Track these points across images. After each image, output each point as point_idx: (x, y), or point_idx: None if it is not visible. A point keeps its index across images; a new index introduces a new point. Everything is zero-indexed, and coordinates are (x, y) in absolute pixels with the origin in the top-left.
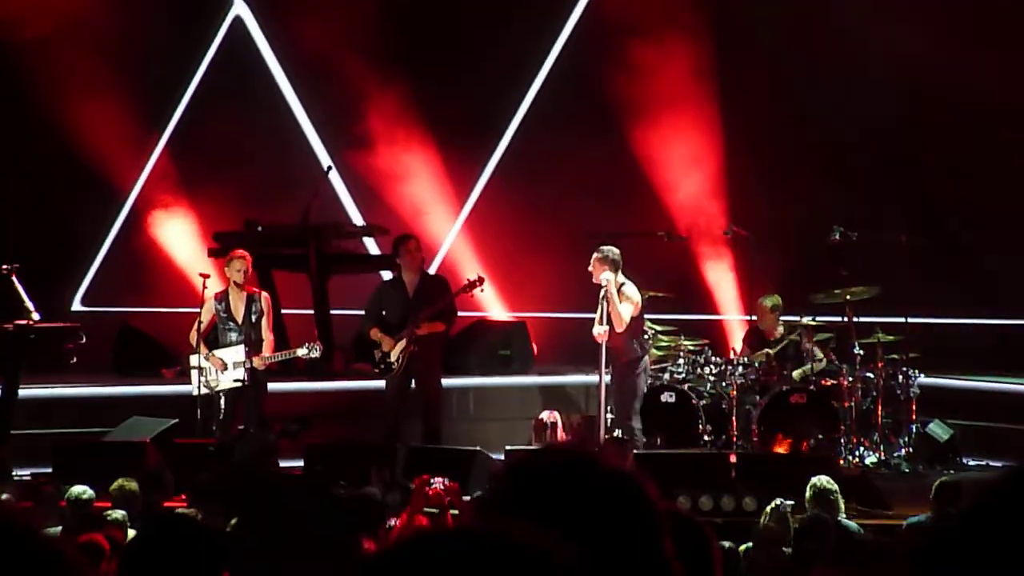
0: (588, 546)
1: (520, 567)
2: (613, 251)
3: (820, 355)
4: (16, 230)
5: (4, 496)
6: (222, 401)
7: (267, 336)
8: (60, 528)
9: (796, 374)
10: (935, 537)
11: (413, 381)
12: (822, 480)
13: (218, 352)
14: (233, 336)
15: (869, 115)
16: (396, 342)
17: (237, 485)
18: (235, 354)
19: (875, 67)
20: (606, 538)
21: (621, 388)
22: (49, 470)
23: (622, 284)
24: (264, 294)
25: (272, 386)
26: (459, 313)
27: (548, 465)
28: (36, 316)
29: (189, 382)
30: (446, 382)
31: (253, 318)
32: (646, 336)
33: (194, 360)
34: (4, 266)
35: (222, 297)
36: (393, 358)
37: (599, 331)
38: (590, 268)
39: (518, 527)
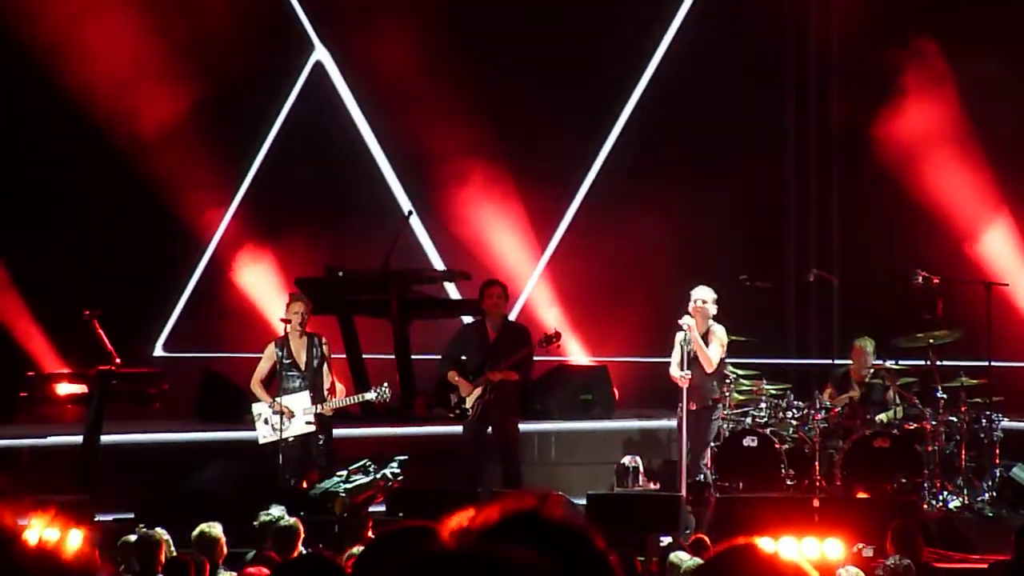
0: None
1: None
2: (713, 295)
3: (899, 401)
4: (99, 275)
5: (130, 537)
6: (292, 449)
7: (330, 378)
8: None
9: (880, 418)
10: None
11: (490, 427)
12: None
13: (284, 400)
14: (297, 382)
15: None
16: (472, 388)
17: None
18: (303, 400)
19: None
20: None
21: (698, 431)
22: (132, 516)
23: (710, 327)
24: (324, 338)
25: (352, 431)
26: (538, 359)
27: (494, 524)
28: (118, 361)
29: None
30: (528, 427)
31: (315, 363)
32: (727, 380)
33: (256, 408)
34: (87, 311)
35: (283, 343)
36: (468, 404)
37: (683, 374)
38: (693, 310)
39: (509, 549)
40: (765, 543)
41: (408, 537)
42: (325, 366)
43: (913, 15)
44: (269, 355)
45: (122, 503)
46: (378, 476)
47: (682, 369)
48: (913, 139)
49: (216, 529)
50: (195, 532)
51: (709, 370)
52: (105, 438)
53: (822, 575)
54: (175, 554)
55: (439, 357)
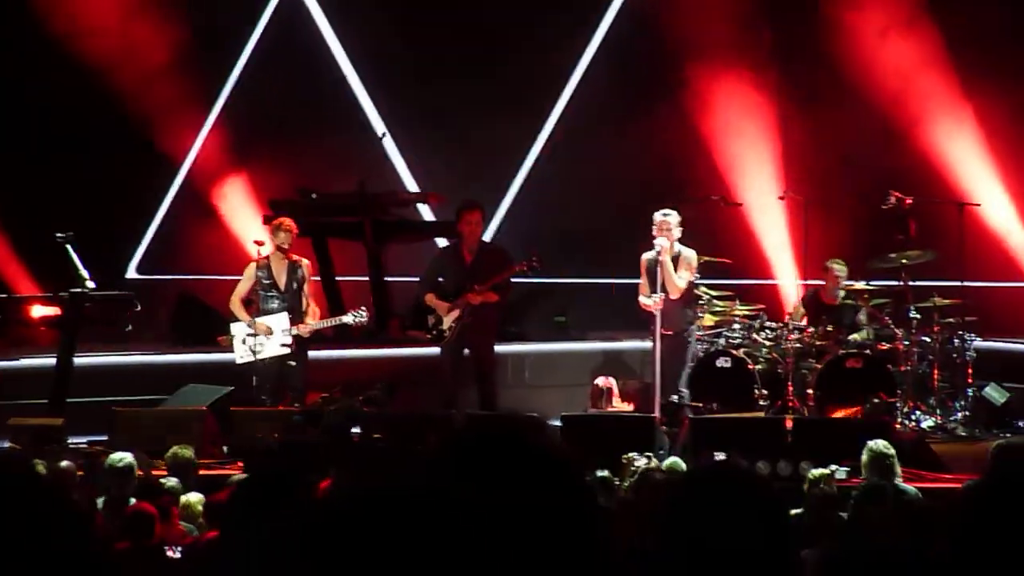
0: (522, 524)
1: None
2: (677, 216)
3: (869, 322)
4: (71, 199)
5: (64, 463)
6: (268, 369)
7: (310, 304)
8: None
9: (852, 339)
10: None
11: (467, 348)
12: (879, 444)
13: (263, 319)
14: (275, 304)
15: None
16: (449, 310)
17: (329, 448)
18: (280, 321)
19: None
20: (538, 514)
21: (673, 355)
22: (105, 438)
23: (678, 251)
24: (306, 261)
25: (328, 353)
26: (514, 280)
27: (476, 440)
28: (91, 284)
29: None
30: (502, 349)
31: (295, 285)
32: (700, 301)
33: (235, 328)
34: (59, 234)
35: (264, 264)
36: (445, 325)
37: (656, 299)
38: (657, 231)
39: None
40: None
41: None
42: (305, 289)
43: None
44: (249, 276)
45: (95, 425)
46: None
47: (653, 292)
48: (884, 53)
49: (188, 450)
50: (168, 453)
51: (674, 296)
52: (78, 360)
53: (795, 493)
54: (153, 475)
55: (417, 280)
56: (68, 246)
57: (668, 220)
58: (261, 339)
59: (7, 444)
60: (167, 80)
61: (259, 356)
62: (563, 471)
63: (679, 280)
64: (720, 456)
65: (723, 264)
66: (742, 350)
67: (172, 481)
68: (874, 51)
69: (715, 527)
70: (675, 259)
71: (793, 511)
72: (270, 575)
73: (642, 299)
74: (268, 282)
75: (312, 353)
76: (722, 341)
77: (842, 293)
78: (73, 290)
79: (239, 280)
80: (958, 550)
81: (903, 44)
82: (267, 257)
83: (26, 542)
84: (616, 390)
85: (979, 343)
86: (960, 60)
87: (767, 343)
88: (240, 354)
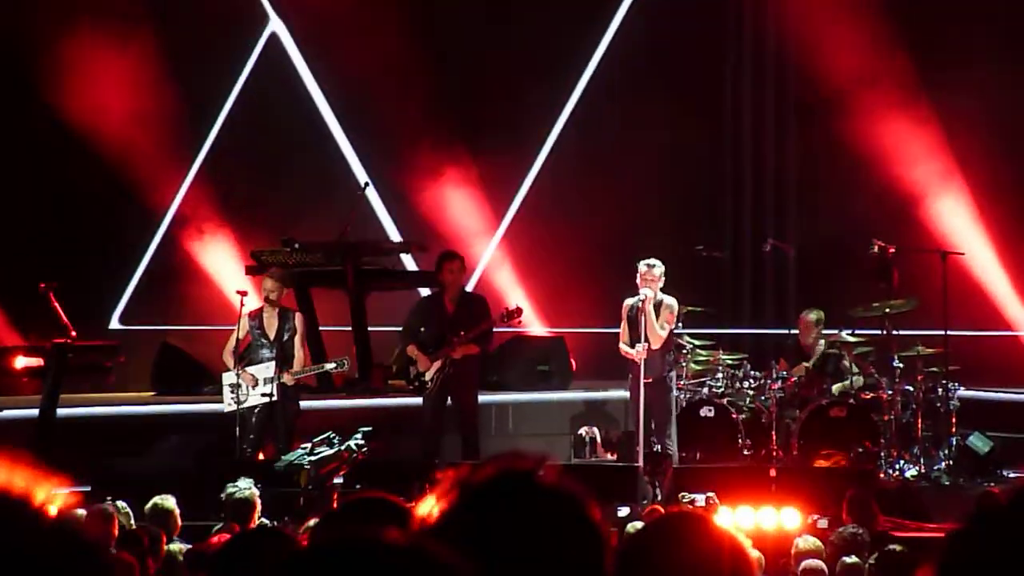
0: (533, 564)
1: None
2: (661, 267)
3: (857, 370)
4: (55, 249)
5: (80, 512)
6: (253, 419)
7: (299, 353)
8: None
9: (836, 388)
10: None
11: (450, 399)
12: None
13: (250, 369)
14: (266, 353)
15: None
16: (432, 361)
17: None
18: (266, 371)
19: None
20: (549, 556)
21: (658, 404)
22: (88, 489)
23: (660, 300)
24: (298, 312)
25: (310, 403)
26: (496, 330)
27: (488, 482)
28: (74, 334)
29: (222, 400)
30: (485, 398)
31: (286, 335)
32: (683, 350)
33: (226, 378)
34: (42, 284)
35: (256, 315)
36: (427, 377)
37: (640, 349)
38: (641, 281)
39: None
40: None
41: (367, 508)
42: (296, 340)
43: None
44: (242, 326)
45: (79, 477)
46: (343, 448)
47: (637, 341)
48: (869, 107)
49: (169, 501)
50: (149, 504)
51: (655, 346)
52: (61, 411)
53: (779, 544)
54: (133, 526)
55: (399, 330)
56: (52, 295)
57: (653, 271)
58: (247, 388)
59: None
60: (150, 131)
61: (243, 405)
62: (577, 509)
63: (660, 330)
64: (700, 498)
65: (706, 313)
66: (725, 399)
67: (153, 531)
68: (860, 104)
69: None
70: (657, 307)
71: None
72: None
73: (623, 347)
74: (259, 331)
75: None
76: (705, 390)
77: (821, 341)
78: (56, 340)
79: (221, 330)
80: None
81: (889, 99)
82: (260, 308)
83: None
84: (599, 439)
85: (963, 392)
86: (945, 113)
87: (750, 392)
88: (227, 403)
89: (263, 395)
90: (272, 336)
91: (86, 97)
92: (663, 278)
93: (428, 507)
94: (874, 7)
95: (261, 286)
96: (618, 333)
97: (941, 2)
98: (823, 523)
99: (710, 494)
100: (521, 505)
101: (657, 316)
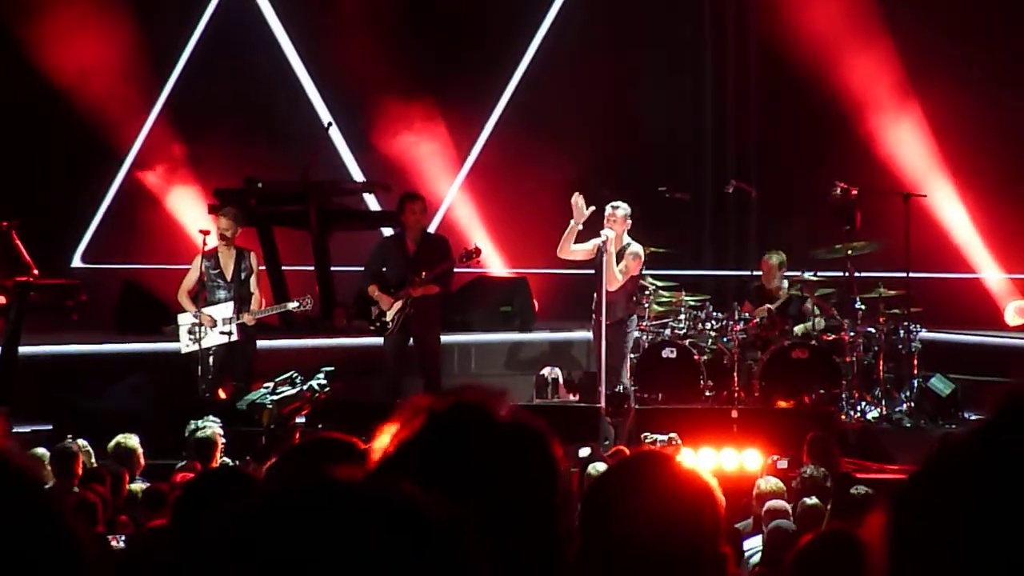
0: (488, 495)
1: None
2: (627, 209)
3: (819, 311)
4: (15, 187)
5: (39, 450)
6: (211, 359)
7: (257, 293)
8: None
9: (798, 329)
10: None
11: (412, 339)
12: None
13: (207, 309)
14: (222, 294)
15: None
16: (392, 301)
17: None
18: (224, 311)
19: None
20: (505, 486)
21: (616, 346)
22: (50, 428)
23: (626, 244)
24: (253, 252)
25: (273, 343)
26: (458, 271)
27: (448, 411)
28: (36, 272)
29: (179, 340)
30: (448, 339)
31: (243, 275)
32: (646, 291)
33: (183, 319)
34: (4, 222)
35: (211, 255)
36: (388, 317)
37: (604, 236)
38: (606, 222)
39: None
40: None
41: (323, 448)
42: (252, 279)
43: None
44: (196, 266)
45: (40, 414)
46: (305, 388)
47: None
48: (830, 46)
49: (132, 440)
50: (112, 443)
51: (611, 288)
52: (23, 349)
53: (741, 485)
54: (95, 465)
55: (362, 270)
56: (13, 233)
57: (616, 212)
58: (205, 329)
59: None
60: (112, 71)
61: (202, 345)
62: (539, 442)
63: (619, 275)
64: (663, 438)
65: (669, 254)
66: (687, 340)
67: (115, 469)
68: (821, 45)
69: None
70: (622, 251)
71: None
72: (213, 566)
73: (566, 247)
74: (215, 272)
75: (259, 342)
76: (667, 331)
77: (785, 284)
78: (19, 278)
79: (183, 269)
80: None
81: (851, 39)
82: (214, 248)
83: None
84: (561, 380)
85: (925, 334)
86: (907, 52)
87: (712, 334)
88: (185, 343)
89: (222, 334)
90: (228, 276)
91: (47, 37)
92: (629, 220)
93: (387, 435)
94: None
95: (217, 223)
96: (582, 274)
97: None
98: (783, 463)
99: (672, 435)
100: (481, 433)
101: (619, 260)
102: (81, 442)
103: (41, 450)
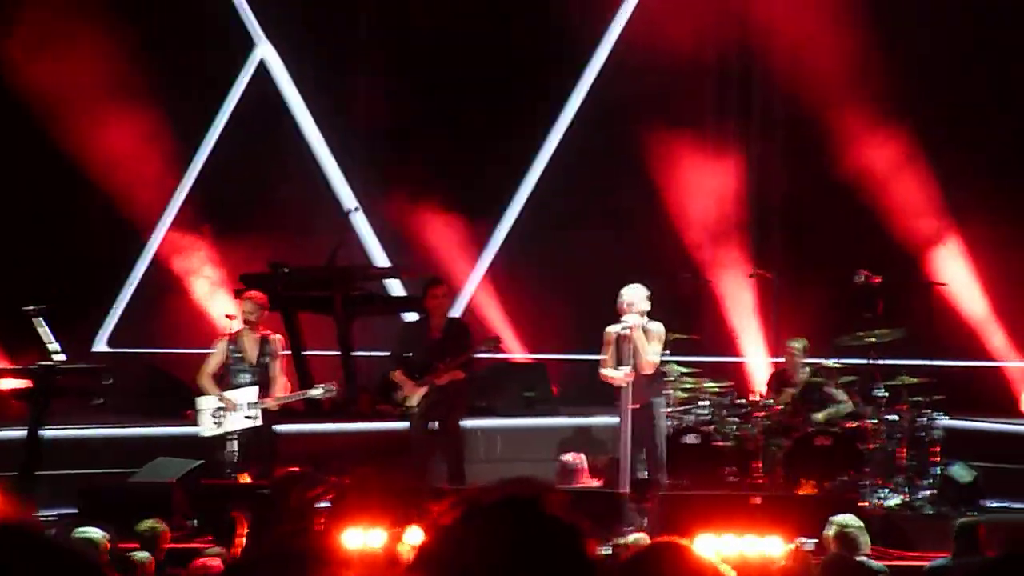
0: None
1: None
2: (645, 291)
3: (843, 398)
4: (41, 271)
5: (99, 535)
6: (235, 443)
7: (280, 378)
8: None
9: (820, 416)
10: None
11: (437, 423)
12: (844, 518)
13: (229, 393)
14: (245, 378)
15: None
16: (417, 387)
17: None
18: (248, 395)
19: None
20: None
21: (647, 431)
22: (75, 511)
23: (647, 325)
24: (278, 336)
25: (297, 427)
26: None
27: (491, 504)
28: (61, 356)
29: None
30: (473, 423)
31: (266, 360)
32: (670, 377)
33: (204, 402)
34: (29, 307)
35: (235, 338)
36: (413, 402)
37: (625, 371)
38: (626, 306)
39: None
40: (688, 543)
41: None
42: (276, 364)
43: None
44: (220, 350)
45: (65, 499)
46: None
47: (621, 365)
48: (855, 134)
49: (163, 524)
50: (142, 525)
51: (648, 371)
52: (48, 433)
53: (762, 572)
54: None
55: (385, 354)
56: (38, 319)
57: (636, 295)
58: (228, 412)
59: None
60: (138, 156)
61: (224, 429)
62: (574, 541)
63: (652, 355)
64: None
65: (691, 340)
66: (711, 427)
67: (142, 555)
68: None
69: None
70: (644, 333)
71: None
72: None
73: (606, 372)
74: (238, 355)
75: (283, 427)
76: (691, 418)
77: (806, 369)
78: (43, 362)
79: (208, 354)
80: None
81: (875, 130)
82: (238, 332)
83: None
84: (585, 466)
85: (946, 422)
86: (930, 143)
87: (736, 420)
88: (206, 427)
89: (247, 418)
90: (252, 360)
91: (74, 124)
92: (649, 303)
93: (424, 526)
94: (860, 23)
95: (240, 308)
96: (600, 360)
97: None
98: (809, 546)
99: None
100: (521, 528)
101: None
102: (100, 534)
103: (96, 533)
